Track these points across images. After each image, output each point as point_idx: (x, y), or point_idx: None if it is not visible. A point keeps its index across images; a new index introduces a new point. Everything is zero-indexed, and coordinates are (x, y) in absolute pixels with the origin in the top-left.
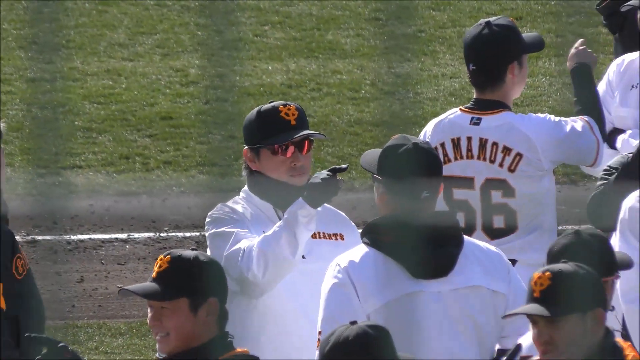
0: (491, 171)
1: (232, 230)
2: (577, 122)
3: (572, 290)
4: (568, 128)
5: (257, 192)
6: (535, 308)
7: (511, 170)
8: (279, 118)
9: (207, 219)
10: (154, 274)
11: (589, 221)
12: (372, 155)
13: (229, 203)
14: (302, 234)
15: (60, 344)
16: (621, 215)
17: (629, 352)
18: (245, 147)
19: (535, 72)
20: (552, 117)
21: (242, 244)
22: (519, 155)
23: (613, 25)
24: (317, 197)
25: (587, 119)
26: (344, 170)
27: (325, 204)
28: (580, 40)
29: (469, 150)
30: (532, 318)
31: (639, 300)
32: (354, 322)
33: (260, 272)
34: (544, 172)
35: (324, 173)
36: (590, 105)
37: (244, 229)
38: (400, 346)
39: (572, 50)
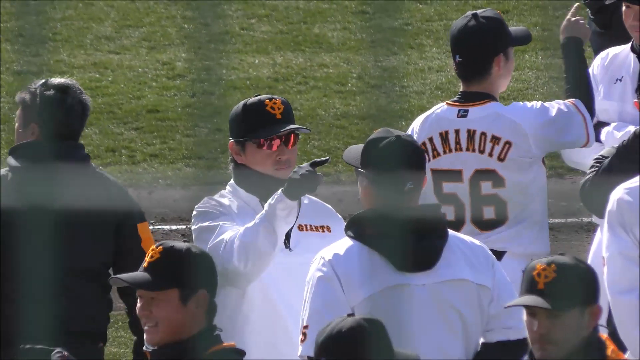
0: (481, 162)
1: (217, 223)
2: (562, 104)
3: (575, 284)
4: (554, 110)
5: (243, 185)
6: (539, 300)
7: (501, 159)
8: (265, 112)
9: (194, 212)
10: (145, 264)
11: (583, 205)
12: (355, 150)
13: (216, 197)
14: (281, 226)
15: (54, 351)
16: (609, 207)
17: (609, 345)
18: (231, 140)
19: (521, 66)
20: (536, 103)
21: (225, 236)
22: (508, 143)
23: (602, 20)
24: (296, 190)
25: (572, 100)
26: (325, 162)
27: (311, 197)
28: (574, 7)
29: (457, 142)
30: (531, 310)
31: (627, 292)
32: (350, 314)
33: (242, 264)
34: (533, 159)
35: (305, 167)
36: (579, 82)
37: (230, 221)
38: None
39: (564, 22)
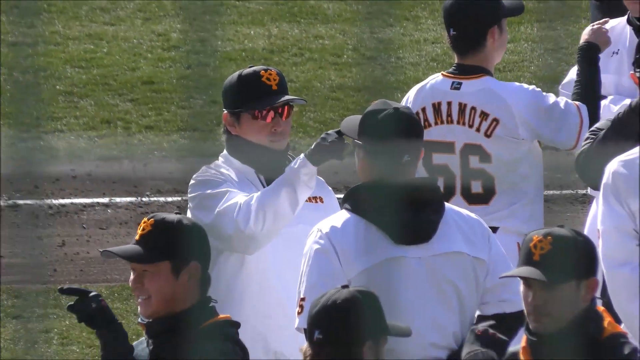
0: (469, 136)
1: (223, 189)
2: (565, 101)
3: (571, 257)
4: (551, 101)
5: (238, 156)
6: (534, 272)
7: (487, 135)
8: (260, 83)
9: (192, 182)
10: (137, 237)
11: (578, 177)
12: (352, 120)
13: (213, 166)
14: (303, 191)
15: (91, 293)
16: (604, 179)
17: (606, 317)
18: (225, 112)
19: (517, 38)
20: (535, 87)
21: (238, 199)
22: (496, 120)
23: None
24: (322, 156)
25: (578, 103)
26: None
27: None
28: (603, 20)
29: (449, 115)
30: (527, 281)
31: (622, 265)
32: (345, 286)
33: (259, 225)
34: (520, 140)
35: (332, 134)
36: (589, 87)
37: (233, 188)
38: None
39: (588, 27)
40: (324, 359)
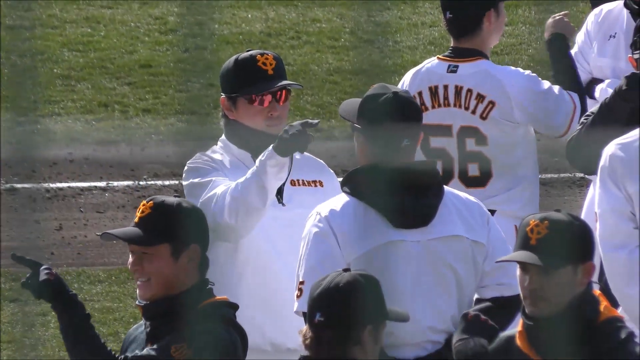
0: (465, 118)
1: (209, 178)
2: (559, 88)
3: (568, 241)
4: (546, 86)
5: (235, 140)
6: (530, 256)
7: (483, 117)
8: (257, 67)
9: (185, 168)
10: (136, 219)
11: (569, 163)
12: (351, 104)
13: (208, 152)
14: (272, 183)
15: (42, 266)
16: (602, 162)
17: (602, 301)
18: (223, 96)
19: (515, 21)
20: (530, 72)
21: (218, 190)
22: (492, 103)
23: None
24: (287, 147)
25: (572, 93)
26: (314, 125)
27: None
28: (562, 13)
29: (446, 98)
30: (523, 266)
31: (619, 248)
32: (346, 270)
33: (232, 219)
34: (515, 123)
35: (296, 126)
36: (567, 78)
37: (222, 177)
38: None
39: (549, 20)
40: (324, 341)
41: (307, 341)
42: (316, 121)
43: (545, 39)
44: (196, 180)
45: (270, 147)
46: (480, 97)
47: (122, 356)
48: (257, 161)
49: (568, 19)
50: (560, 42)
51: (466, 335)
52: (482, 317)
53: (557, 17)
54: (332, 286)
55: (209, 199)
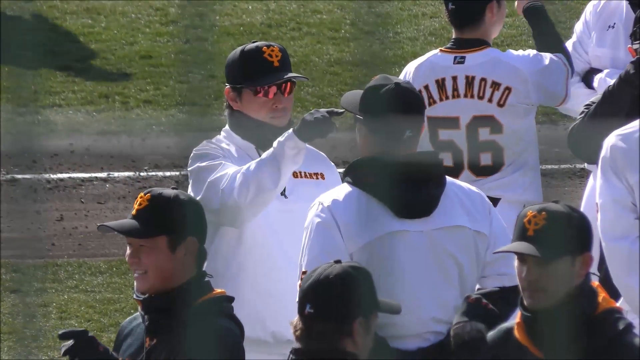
0: (479, 108)
1: (218, 162)
2: (550, 55)
3: (566, 232)
4: (547, 60)
5: (239, 131)
6: (527, 247)
7: (500, 105)
8: (262, 59)
9: (192, 154)
10: (133, 212)
11: (571, 152)
12: (353, 95)
13: (214, 140)
14: (288, 166)
15: (84, 333)
16: (603, 152)
17: (600, 292)
18: (227, 87)
19: (515, 12)
20: (530, 50)
21: (229, 170)
22: (508, 88)
23: None
24: (308, 132)
25: (556, 54)
26: (339, 114)
27: (305, 144)
28: None
29: (455, 89)
30: (521, 257)
31: (621, 239)
32: (337, 261)
33: (242, 198)
34: (531, 106)
35: (322, 112)
36: (553, 40)
37: (229, 160)
38: (382, 284)
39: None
40: (314, 333)
41: (298, 332)
42: (341, 110)
43: (518, 11)
44: (204, 164)
45: (291, 130)
46: (495, 85)
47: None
48: (276, 142)
49: None
50: (537, 9)
51: (465, 319)
52: (484, 300)
53: None
54: (322, 278)
55: (218, 178)
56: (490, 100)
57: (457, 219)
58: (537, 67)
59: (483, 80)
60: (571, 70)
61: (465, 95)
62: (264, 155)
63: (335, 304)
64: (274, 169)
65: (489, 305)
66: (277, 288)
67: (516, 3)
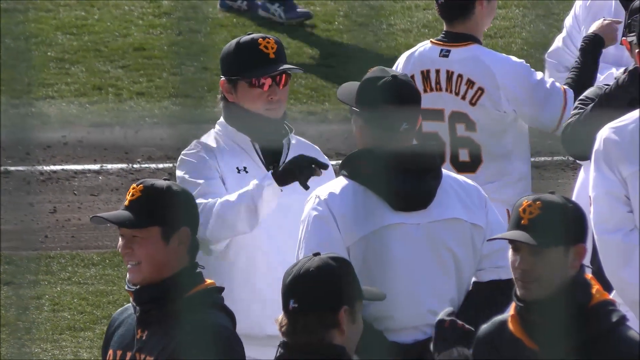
0: (456, 104)
1: (199, 180)
2: (552, 82)
3: (560, 222)
4: (538, 77)
5: (234, 123)
6: (522, 235)
7: (472, 103)
8: (258, 51)
9: (180, 157)
10: (126, 202)
11: (563, 149)
12: (349, 87)
13: (204, 137)
14: (263, 208)
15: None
16: (596, 146)
17: (594, 284)
18: (223, 78)
19: (508, 4)
20: (524, 62)
21: (205, 199)
22: (481, 89)
23: None
24: (289, 179)
25: (565, 87)
26: (325, 167)
27: (299, 137)
28: (616, 19)
29: (438, 82)
30: (515, 245)
31: (613, 231)
32: (317, 254)
33: (215, 234)
34: (503, 113)
35: (307, 160)
36: (584, 78)
37: (213, 176)
38: (379, 277)
39: (600, 19)
40: (300, 327)
41: (283, 328)
42: (327, 164)
43: (585, 34)
44: (187, 176)
45: (270, 173)
46: (470, 83)
47: None
48: (253, 185)
49: (617, 27)
50: (594, 44)
51: (447, 346)
52: (459, 322)
53: (607, 21)
54: (302, 272)
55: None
56: (464, 97)
57: (454, 212)
58: (517, 78)
59: (460, 76)
60: (571, 105)
61: (446, 90)
62: (241, 195)
63: (319, 295)
64: (251, 212)
65: (465, 326)
66: (269, 281)
67: (598, 21)
